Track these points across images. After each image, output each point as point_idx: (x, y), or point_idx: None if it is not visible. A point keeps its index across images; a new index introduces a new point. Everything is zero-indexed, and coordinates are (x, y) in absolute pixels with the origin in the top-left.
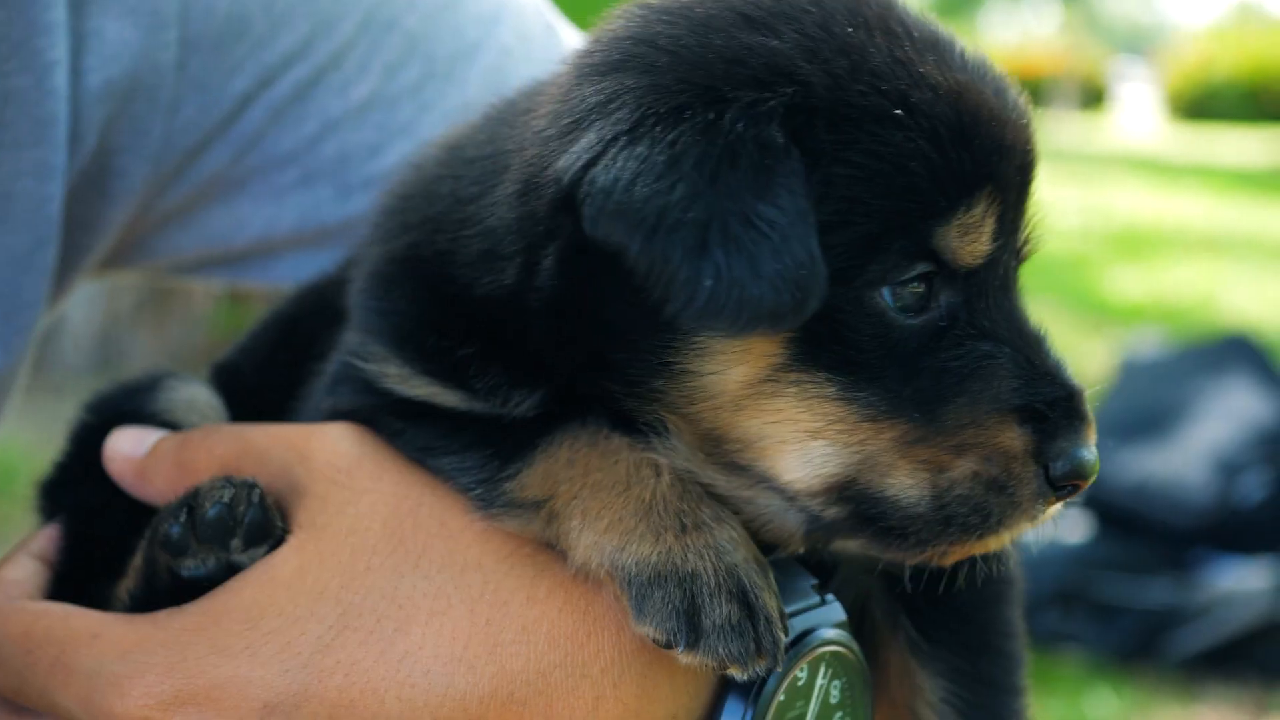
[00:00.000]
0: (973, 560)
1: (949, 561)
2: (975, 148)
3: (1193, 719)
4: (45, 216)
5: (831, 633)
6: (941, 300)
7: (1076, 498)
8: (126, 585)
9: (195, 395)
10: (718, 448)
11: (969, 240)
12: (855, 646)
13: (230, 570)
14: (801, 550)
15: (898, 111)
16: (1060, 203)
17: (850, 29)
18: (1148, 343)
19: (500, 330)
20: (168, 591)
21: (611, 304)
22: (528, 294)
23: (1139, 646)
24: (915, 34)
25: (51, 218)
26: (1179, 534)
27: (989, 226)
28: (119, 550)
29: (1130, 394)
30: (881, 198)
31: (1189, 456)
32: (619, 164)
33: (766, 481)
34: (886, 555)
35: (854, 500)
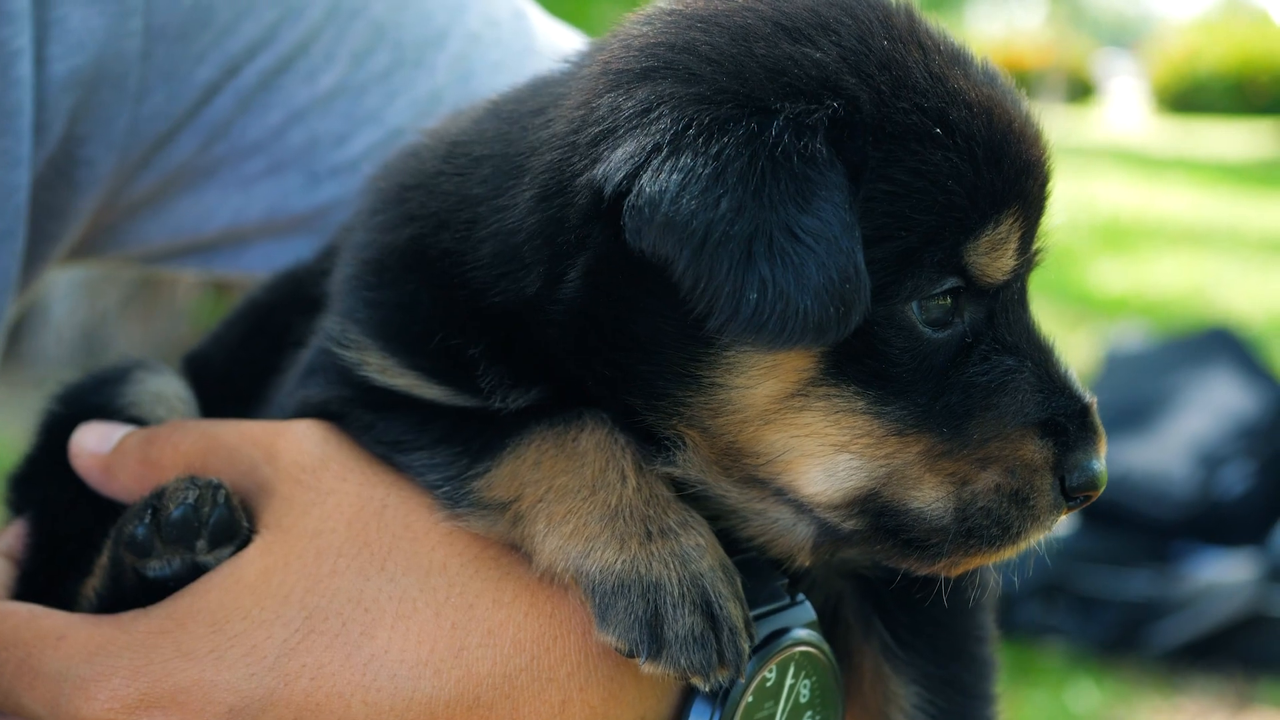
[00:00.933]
0: None
1: (958, 572)
2: (1006, 166)
3: (1174, 711)
4: (11, 206)
5: (802, 633)
6: (966, 315)
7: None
8: (93, 584)
9: (164, 387)
10: (736, 462)
11: (996, 256)
12: (826, 646)
13: (196, 571)
14: (809, 562)
15: (938, 130)
16: None
17: (886, 42)
18: (1131, 335)
19: (514, 335)
20: (134, 592)
21: (640, 316)
22: (549, 305)
23: (1121, 639)
24: (942, 46)
25: (18, 207)
26: (1161, 526)
27: (1014, 243)
28: (87, 547)
29: (1113, 386)
30: (921, 214)
31: (1171, 449)
32: (664, 175)
33: (784, 494)
34: (900, 566)
35: (875, 513)
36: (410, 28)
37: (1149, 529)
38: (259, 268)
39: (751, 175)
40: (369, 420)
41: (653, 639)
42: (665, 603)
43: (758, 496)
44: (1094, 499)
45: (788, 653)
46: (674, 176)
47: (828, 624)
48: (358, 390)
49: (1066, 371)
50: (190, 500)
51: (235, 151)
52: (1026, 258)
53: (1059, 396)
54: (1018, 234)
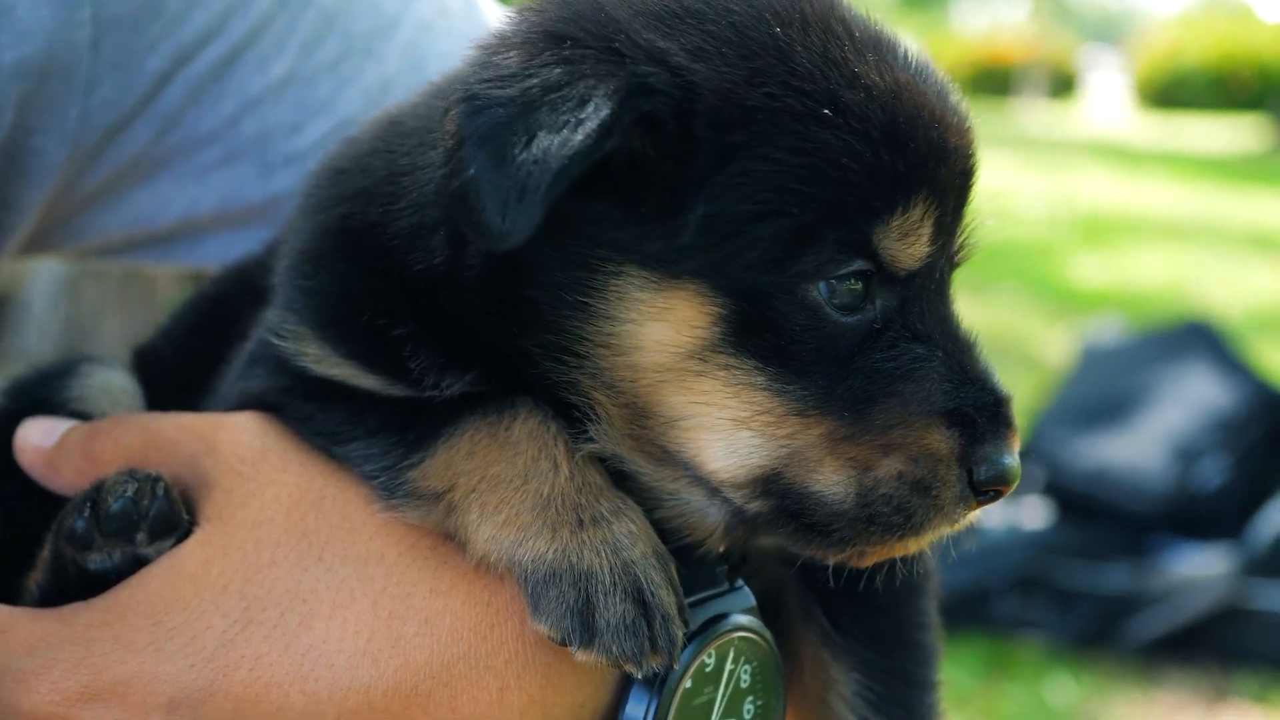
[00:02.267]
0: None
1: (867, 563)
2: (911, 150)
3: (1151, 704)
4: None
5: (741, 618)
6: (878, 302)
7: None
8: (35, 578)
9: (110, 381)
10: (644, 426)
11: (907, 243)
12: (766, 632)
13: (137, 563)
14: (721, 548)
15: (826, 111)
16: (1027, 190)
17: (779, 29)
18: (1108, 329)
19: (436, 307)
20: (75, 585)
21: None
22: (460, 272)
23: (1098, 632)
24: (857, 34)
25: None
26: (1138, 520)
27: (926, 230)
28: (32, 541)
29: (1090, 380)
30: (811, 189)
31: (1148, 443)
32: (494, 62)
33: (692, 470)
34: (806, 552)
35: (778, 495)
36: (360, 16)
37: (1126, 523)
38: (216, 259)
39: (550, 85)
40: (307, 411)
41: (584, 627)
42: (596, 591)
43: (669, 475)
44: (1005, 494)
45: (726, 638)
46: (499, 63)
47: (769, 611)
48: (296, 381)
49: (985, 366)
50: (129, 493)
51: (189, 142)
52: (943, 247)
53: (970, 388)
54: (930, 220)
